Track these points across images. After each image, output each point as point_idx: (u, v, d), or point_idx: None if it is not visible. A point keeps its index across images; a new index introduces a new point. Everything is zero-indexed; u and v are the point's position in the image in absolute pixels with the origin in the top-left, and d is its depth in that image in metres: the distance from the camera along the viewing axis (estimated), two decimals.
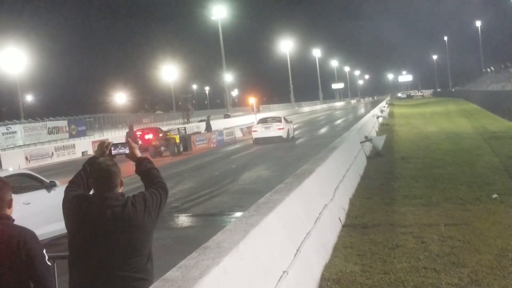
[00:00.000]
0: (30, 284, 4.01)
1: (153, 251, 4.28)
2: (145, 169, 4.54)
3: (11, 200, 4.14)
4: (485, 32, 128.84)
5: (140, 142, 34.24)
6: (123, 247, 4.03)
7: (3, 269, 3.92)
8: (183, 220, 14.02)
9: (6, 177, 11.60)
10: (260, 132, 37.12)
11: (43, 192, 11.49)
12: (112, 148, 4.64)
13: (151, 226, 4.20)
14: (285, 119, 39.36)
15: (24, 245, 3.95)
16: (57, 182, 12.11)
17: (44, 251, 4.09)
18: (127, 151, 4.64)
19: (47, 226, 10.77)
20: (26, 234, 4.03)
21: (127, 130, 34.04)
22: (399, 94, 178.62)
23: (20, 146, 40.26)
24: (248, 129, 49.99)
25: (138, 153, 4.68)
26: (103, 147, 4.64)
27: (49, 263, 4.10)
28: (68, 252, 4.21)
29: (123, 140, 4.84)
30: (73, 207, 4.20)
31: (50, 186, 11.75)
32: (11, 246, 3.93)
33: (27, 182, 11.64)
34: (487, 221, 9.93)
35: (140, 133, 37.87)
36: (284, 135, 36.93)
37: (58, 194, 8.72)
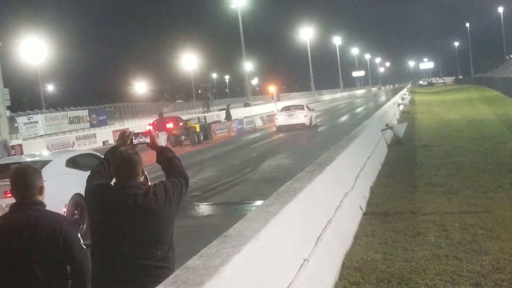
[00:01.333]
0: (67, 268, 4.09)
1: (174, 239, 4.31)
2: (166, 159, 4.56)
3: (42, 187, 4.20)
4: (507, 18, 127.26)
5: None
6: (144, 235, 4.07)
7: (41, 254, 3.99)
8: (204, 208, 14.07)
9: (76, 156, 13.10)
10: (283, 119, 37.81)
11: None
12: (133, 137, 4.67)
13: (172, 214, 4.23)
14: (307, 107, 39.95)
15: (60, 230, 4.02)
16: None
17: (79, 235, 4.16)
18: (148, 140, 4.67)
19: None
20: (61, 220, 4.13)
21: (157, 118, 34.72)
22: (421, 82, 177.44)
23: (41, 135, 40.51)
24: (269, 117, 50.08)
25: (159, 142, 4.71)
26: (124, 136, 4.68)
27: (84, 247, 4.16)
28: (91, 241, 4.25)
29: (144, 130, 4.87)
30: (95, 196, 4.24)
31: None
32: (47, 232, 4.00)
33: (92, 161, 12.63)
34: (510, 208, 9.85)
35: (151, 127, 38.14)
36: (307, 122, 37.44)
37: None
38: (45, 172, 10.88)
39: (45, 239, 3.99)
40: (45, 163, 11.79)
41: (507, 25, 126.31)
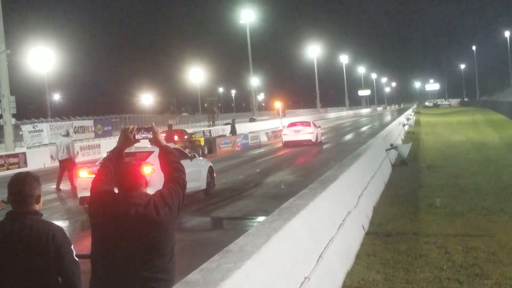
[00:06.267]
0: (58, 279, 4.05)
1: (175, 252, 4.29)
2: (167, 161, 4.54)
3: (39, 196, 4.16)
4: None
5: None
6: (145, 246, 4.06)
7: (32, 264, 3.96)
8: (206, 222, 14.04)
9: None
10: (290, 135, 38.24)
11: (188, 161, 15.68)
12: (135, 133, 4.65)
13: (173, 223, 4.23)
14: (313, 124, 40.46)
15: (53, 241, 3.99)
16: (196, 155, 18.52)
17: (72, 246, 4.13)
18: (150, 136, 4.65)
19: (189, 183, 12.65)
20: (54, 230, 4.06)
21: (166, 129, 34.72)
22: (426, 103, 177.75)
23: (45, 144, 40.47)
24: (274, 133, 50.19)
25: (162, 140, 4.69)
26: (127, 133, 4.65)
27: (76, 259, 4.13)
28: (91, 250, 4.23)
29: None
30: (100, 202, 4.22)
31: (191, 158, 16.78)
32: (40, 242, 3.97)
33: (179, 153, 14.35)
34: None
35: (165, 134, 38.07)
36: (313, 139, 37.85)
37: (195, 163, 16.77)
38: None
39: (37, 249, 3.95)
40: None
41: None
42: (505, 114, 60.27)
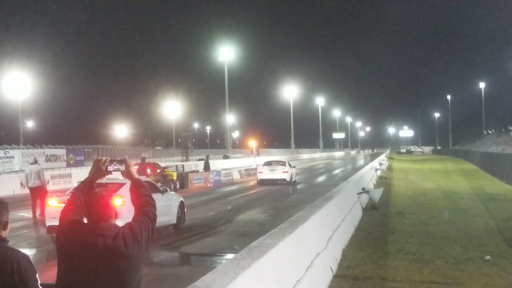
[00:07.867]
0: None
1: (141, 286, 4.24)
2: (138, 195, 4.53)
3: (7, 222, 4.11)
4: (488, 95, 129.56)
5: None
6: (111, 279, 4.00)
7: None
8: (173, 257, 13.92)
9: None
10: (266, 173, 39.46)
11: (159, 195, 16.01)
12: (108, 164, 4.66)
13: (141, 257, 4.18)
14: (288, 164, 41.44)
15: (17, 268, 3.92)
16: (168, 189, 18.83)
17: (37, 275, 4.06)
18: (122, 168, 4.66)
19: (159, 217, 12.64)
20: (20, 258, 4.00)
21: (139, 161, 34.50)
22: (401, 149, 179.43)
23: (16, 171, 40.05)
24: (247, 171, 50.25)
25: (134, 173, 4.69)
26: (100, 164, 4.65)
27: None
28: (56, 280, 4.16)
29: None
30: (68, 232, 4.17)
31: (163, 192, 17.04)
32: (4, 269, 3.90)
33: (150, 187, 14.67)
34: (479, 282, 9.87)
35: (137, 167, 37.84)
36: (288, 178, 38.96)
37: (166, 197, 17.08)
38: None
39: (1, 276, 3.88)
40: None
41: (488, 101, 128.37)
42: (476, 164, 61.03)
